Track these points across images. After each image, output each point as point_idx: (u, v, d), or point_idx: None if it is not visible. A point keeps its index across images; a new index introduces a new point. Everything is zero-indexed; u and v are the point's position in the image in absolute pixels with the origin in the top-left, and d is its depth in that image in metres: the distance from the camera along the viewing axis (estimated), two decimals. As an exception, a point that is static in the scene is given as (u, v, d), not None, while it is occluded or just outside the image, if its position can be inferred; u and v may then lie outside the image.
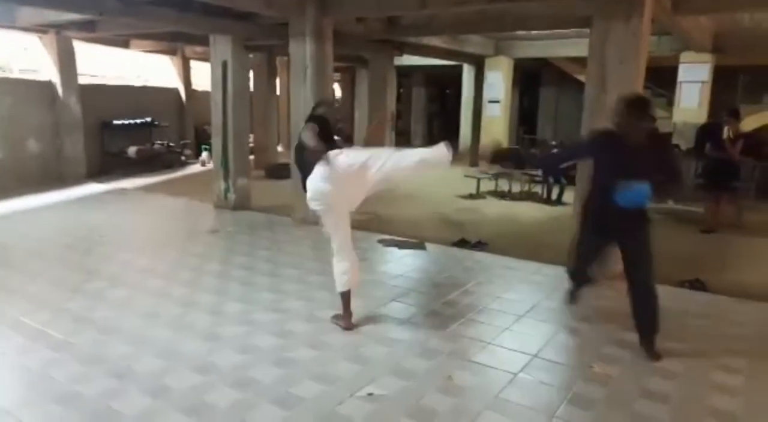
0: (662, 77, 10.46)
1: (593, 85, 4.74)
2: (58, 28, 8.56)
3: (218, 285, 4.50)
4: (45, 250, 5.45)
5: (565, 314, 4.04)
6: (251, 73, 11.00)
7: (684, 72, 9.46)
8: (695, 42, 8.36)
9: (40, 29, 8.62)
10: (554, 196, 8.84)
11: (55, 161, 9.27)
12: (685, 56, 9.33)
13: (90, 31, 8.42)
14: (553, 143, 9.98)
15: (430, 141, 17.49)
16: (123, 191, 8.80)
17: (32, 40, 9.13)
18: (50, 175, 9.11)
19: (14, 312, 3.87)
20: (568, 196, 8.26)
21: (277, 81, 13.02)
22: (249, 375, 3.06)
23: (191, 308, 4.01)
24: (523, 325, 3.81)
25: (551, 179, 8.95)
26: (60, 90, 9.16)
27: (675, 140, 9.39)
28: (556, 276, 4.84)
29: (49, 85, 9.14)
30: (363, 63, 12.61)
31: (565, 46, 10.28)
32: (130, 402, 2.78)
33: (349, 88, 17.76)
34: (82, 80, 9.62)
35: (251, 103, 10.01)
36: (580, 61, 10.17)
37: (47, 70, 9.18)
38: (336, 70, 7.42)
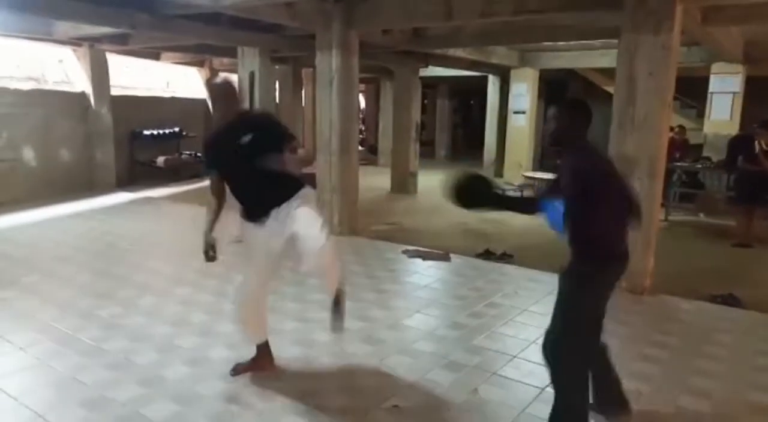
0: (692, 88, 10.29)
1: (621, 98, 4.68)
2: (92, 41, 8.80)
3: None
4: (75, 257, 5.57)
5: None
6: (277, 85, 11.16)
7: (715, 83, 9.28)
8: (726, 52, 8.22)
9: (75, 42, 8.88)
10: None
11: (85, 170, 9.49)
12: (716, 67, 9.16)
13: (122, 43, 8.65)
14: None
15: (454, 152, 17.51)
16: (151, 200, 8.96)
17: (67, 52, 9.40)
18: (81, 183, 9.31)
19: (45, 317, 3.95)
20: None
21: (303, 92, 13.17)
22: (274, 384, 3.07)
23: (218, 316, 4.05)
24: (550, 339, 3.75)
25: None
26: (92, 101, 9.39)
27: (706, 152, 9.21)
28: (584, 290, 4.77)
29: (82, 97, 9.39)
30: (388, 74, 12.68)
31: (592, 57, 10.19)
32: (158, 408, 2.81)
33: (374, 100, 17.86)
34: (114, 92, 9.85)
35: (277, 114, 10.13)
36: (608, 73, 10.08)
37: (80, 82, 9.43)
38: (361, 81, 7.49)
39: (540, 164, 13.52)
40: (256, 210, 2.91)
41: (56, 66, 9.62)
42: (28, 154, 8.72)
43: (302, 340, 3.65)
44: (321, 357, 3.42)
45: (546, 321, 3.99)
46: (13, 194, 8.23)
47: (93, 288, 4.63)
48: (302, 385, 3.07)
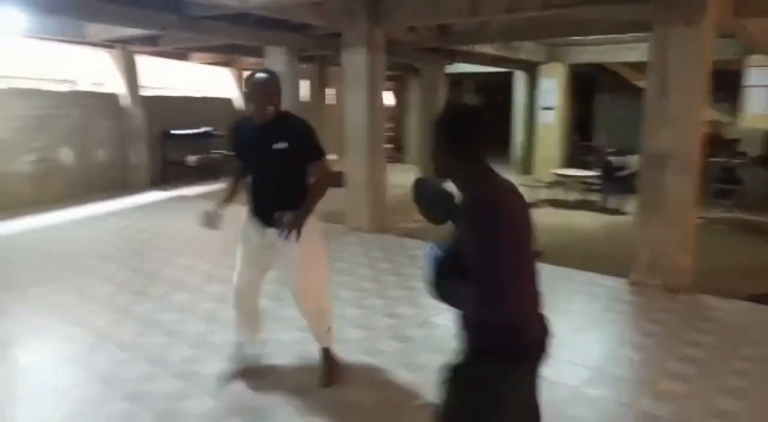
0: (724, 82, 10.03)
1: (653, 93, 4.59)
2: (124, 42, 8.99)
3: (275, 291, 4.57)
4: (112, 254, 5.71)
5: (627, 328, 3.91)
6: (304, 83, 11.23)
7: (750, 76, 9.03)
8: (760, 45, 7.98)
9: (108, 44, 9.08)
10: (613, 204, 8.62)
11: (120, 170, 9.71)
12: (750, 60, 8.92)
13: (153, 45, 8.82)
14: (609, 150, 9.72)
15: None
16: (183, 198, 9.12)
17: (100, 55, 9.62)
18: (116, 182, 9.54)
19: (85, 313, 4.07)
20: (630, 205, 8.03)
21: (329, 90, 13.23)
22: (306, 381, 3.10)
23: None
24: (582, 338, 3.71)
25: (610, 188, 8.74)
26: (125, 102, 9.60)
27: (742, 147, 8.98)
28: (615, 287, 4.72)
29: (115, 98, 9.60)
30: (414, 72, 12.66)
31: (622, 51, 10.01)
32: (195, 402, 2.88)
33: (400, 97, 17.84)
34: (145, 92, 10.06)
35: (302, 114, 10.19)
36: (639, 67, 9.89)
37: (114, 83, 9.65)
38: (387, 78, 7.51)
39: (571, 161, 13.35)
40: (261, 215, 2.88)
41: (91, 68, 9.86)
42: (66, 154, 8.95)
43: (333, 337, 3.68)
44: (351, 353, 3.45)
45: (578, 319, 3.98)
46: (53, 193, 8.47)
47: (129, 285, 4.75)
48: (334, 381, 3.10)
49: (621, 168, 8.87)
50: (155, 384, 3.06)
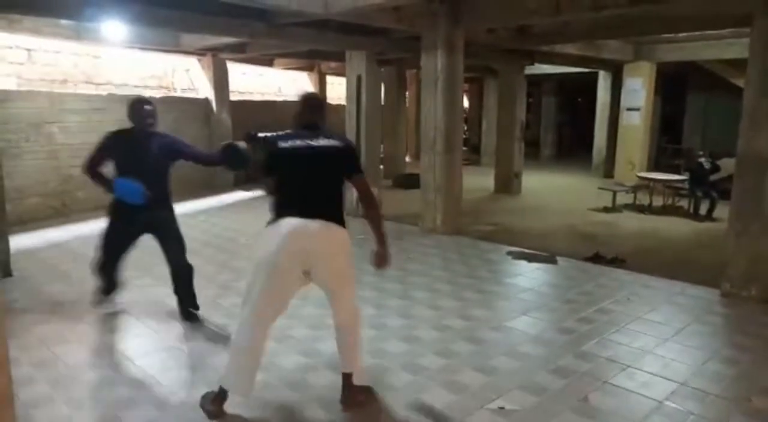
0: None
1: (754, 91, 4.31)
2: (215, 50, 9.51)
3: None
4: (201, 250, 6.05)
5: (718, 341, 3.70)
6: (382, 86, 11.39)
7: None
8: None
9: (200, 52, 9.64)
10: (703, 211, 8.13)
11: (207, 170, 10.22)
12: None
13: (241, 52, 9.27)
14: (700, 152, 9.15)
15: (559, 151, 16.89)
16: (266, 198, 9.49)
17: (192, 62, 10.22)
18: (205, 183, 10.08)
19: (175, 304, 4.33)
20: (721, 211, 7.55)
21: (407, 93, 13.33)
22: (380, 378, 3.16)
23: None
24: (668, 349, 3.55)
25: (699, 193, 8.25)
26: (214, 106, 10.15)
27: None
28: (705, 298, 4.48)
29: (205, 103, 10.17)
30: (491, 73, 12.52)
31: (718, 47, 9.41)
32: (275, 394, 3.01)
33: (478, 99, 17.68)
34: (232, 97, 10.57)
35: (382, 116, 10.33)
36: (738, 64, 9.27)
37: (204, 89, 10.22)
38: (464, 80, 7.45)
39: (656, 164, 12.71)
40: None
41: (183, 75, 10.49)
42: (159, 155, 9.58)
43: (407, 337, 3.73)
44: (425, 354, 3.48)
45: (663, 330, 3.80)
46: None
47: (215, 279, 5.03)
48: (406, 380, 3.15)
49: (713, 172, 8.35)
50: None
